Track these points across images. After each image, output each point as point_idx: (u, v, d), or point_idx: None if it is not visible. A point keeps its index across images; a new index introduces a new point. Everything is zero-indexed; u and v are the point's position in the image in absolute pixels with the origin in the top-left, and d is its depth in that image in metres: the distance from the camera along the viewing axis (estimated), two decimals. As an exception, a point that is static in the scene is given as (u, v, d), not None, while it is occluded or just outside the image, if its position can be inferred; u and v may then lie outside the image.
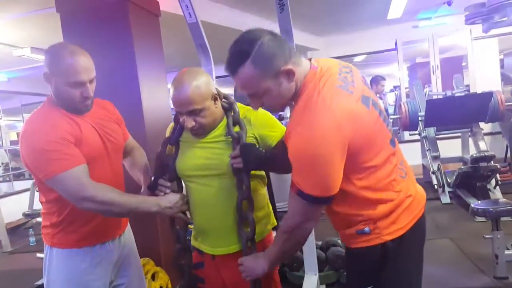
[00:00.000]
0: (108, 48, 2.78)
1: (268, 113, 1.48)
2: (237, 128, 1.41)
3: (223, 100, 1.46)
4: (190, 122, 1.35)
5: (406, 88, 6.53)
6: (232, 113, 1.43)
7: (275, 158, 1.36)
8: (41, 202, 1.52)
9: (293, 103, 1.19)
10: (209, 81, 1.37)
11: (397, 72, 7.28)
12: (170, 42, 3.58)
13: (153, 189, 1.48)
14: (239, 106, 1.46)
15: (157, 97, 3.05)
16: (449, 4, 5.12)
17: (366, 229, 1.18)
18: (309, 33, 6.38)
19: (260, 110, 1.47)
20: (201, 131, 1.41)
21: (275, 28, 3.67)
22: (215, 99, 1.39)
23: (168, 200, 1.44)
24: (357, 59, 7.77)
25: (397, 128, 7.31)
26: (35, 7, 3.18)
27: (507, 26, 3.64)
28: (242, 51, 1.09)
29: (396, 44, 6.16)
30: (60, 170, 1.32)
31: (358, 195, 1.16)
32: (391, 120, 7.77)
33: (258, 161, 1.35)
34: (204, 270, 1.53)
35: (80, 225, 1.48)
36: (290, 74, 1.11)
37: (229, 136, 1.40)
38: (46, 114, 1.43)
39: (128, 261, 1.66)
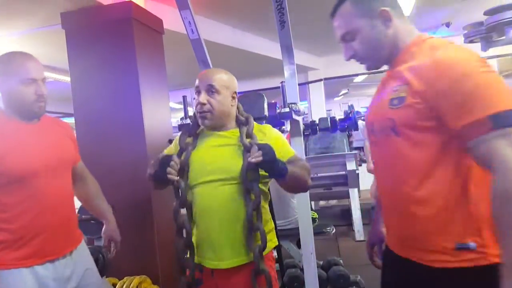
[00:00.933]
0: (112, 64, 2.81)
1: (281, 134, 1.51)
2: (249, 140, 1.41)
3: (241, 114, 1.50)
4: (203, 98, 1.38)
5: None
6: (248, 126, 1.45)
7: (287, 169, 1.27)
8: None
9: (391, 67, 1.10)
10: (234, 80, 1.47)
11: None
12: (172, 61, 3.62)
13: (163, 165, 1.33)
14: (254, 123, 1.49)
15: (159, 115, 3.06)
16: (447, 25, 5.20)
17: (471, 244, 0.94)
18: (309, 53, 6.47)
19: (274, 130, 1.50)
20: (208, 115, 1.40)
21: (275, 46, 3.69)
22: (232, 97, 1.45)
23: None
24: (357, 79, 7.84)
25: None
26: (41, 24, 3.23)
27: (505, 44, 3.68)
28: None
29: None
30: None
31: (472, 184, 0.95)
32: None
33: (275, 161, 1.26)
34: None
35: (27, 240, 1.37)
36: (386, 17, 1.05)
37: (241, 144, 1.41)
38: None
39: (84, 281, 1.53)
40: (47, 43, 3.82)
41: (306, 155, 4.54)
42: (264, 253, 1.39)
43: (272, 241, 1.49)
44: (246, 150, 1.35)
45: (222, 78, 1.42)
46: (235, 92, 1.46)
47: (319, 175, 4.68)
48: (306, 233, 2.23)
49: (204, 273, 1.46)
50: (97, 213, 1.75)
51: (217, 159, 1.41)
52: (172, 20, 3.41)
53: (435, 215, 0.97)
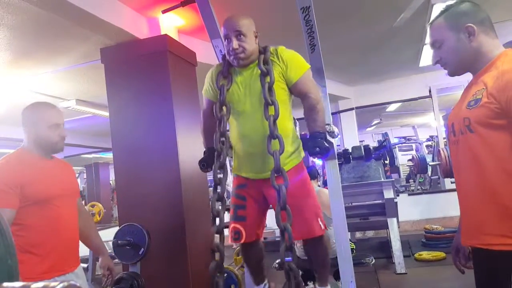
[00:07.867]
0: (148, 95, 2.91)
1: (298, 54, 1.80)
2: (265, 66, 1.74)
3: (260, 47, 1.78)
4: (236, 43, 1.67)
5: (443, 138, 6.34)
6: (264, 54, 1.74)
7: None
8: None
9: (479, 75, 1.22)
10: (253, 21, 1.76)
11: (433, 122, 7.12)
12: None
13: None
14: (272, 47, 1.78)
15: (192, 145, 3.09)
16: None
17: None
18: (339, 83, 6.45)
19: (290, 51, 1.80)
20: (242, 55, 1.69)
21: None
22: (255, 36, 1.75)
23: None
24: (390, 108, 7.69)
25: (437, 177, 7.03)
26: (82, 60, 3.42)
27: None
28: (444, 9, 1.27)
29: (430, 91, 6.10)
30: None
31: None
32: (431, 168, 7.52)
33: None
34: (246, 189, 1.84)
35: (45, 256, 1.61)
36: (471, 32, 1.20)
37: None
38: (14, 157, 1.71)
39: None
40: (87, 79, 4.02)
41: (340, 184, 4.41)
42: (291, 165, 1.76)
43: (300, 156, 1.85)
44: (263, 74, 1.69)
45: (245, 23, 1.70)
46: (256, 31, 1.75)
47: (354, 204, 4.53)
48: (344, 259, 2.12)
49: (248, 179, 1.84)
50: (93, 247, 1.96)
51: (250, 92, 1.74)
52: (204, 53, 3.52)
53: (504, 205, 1.13)
